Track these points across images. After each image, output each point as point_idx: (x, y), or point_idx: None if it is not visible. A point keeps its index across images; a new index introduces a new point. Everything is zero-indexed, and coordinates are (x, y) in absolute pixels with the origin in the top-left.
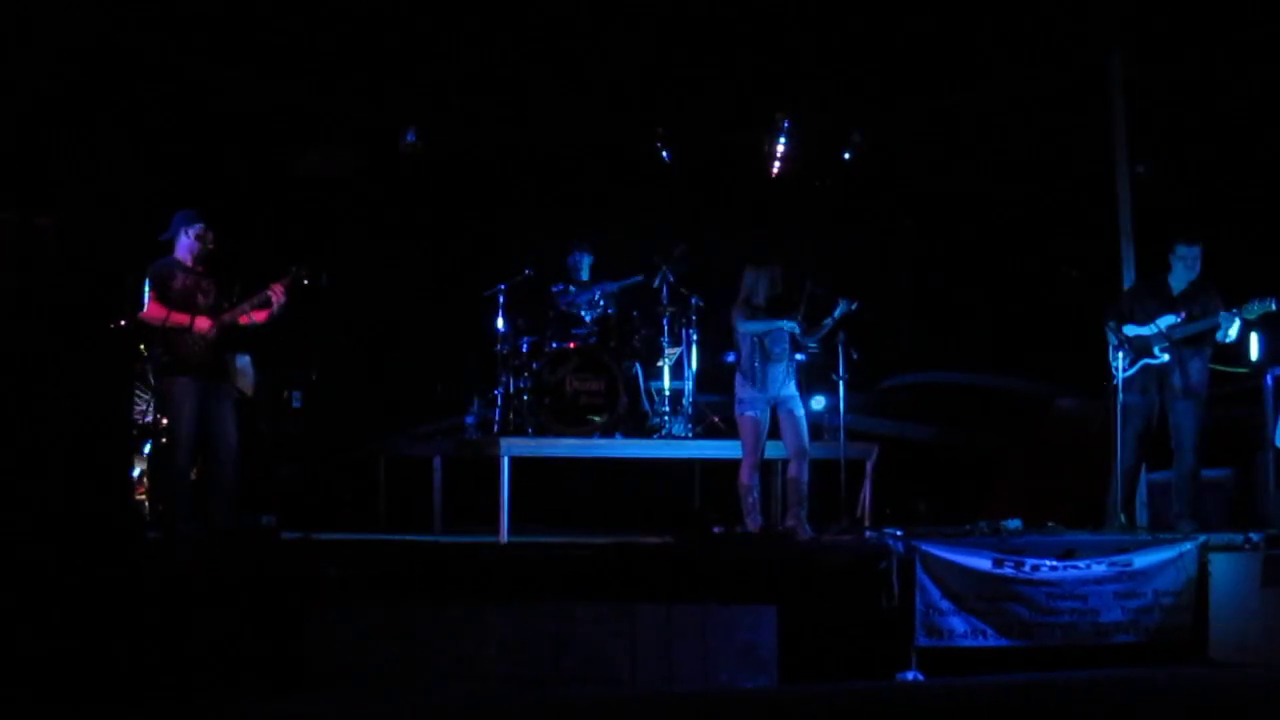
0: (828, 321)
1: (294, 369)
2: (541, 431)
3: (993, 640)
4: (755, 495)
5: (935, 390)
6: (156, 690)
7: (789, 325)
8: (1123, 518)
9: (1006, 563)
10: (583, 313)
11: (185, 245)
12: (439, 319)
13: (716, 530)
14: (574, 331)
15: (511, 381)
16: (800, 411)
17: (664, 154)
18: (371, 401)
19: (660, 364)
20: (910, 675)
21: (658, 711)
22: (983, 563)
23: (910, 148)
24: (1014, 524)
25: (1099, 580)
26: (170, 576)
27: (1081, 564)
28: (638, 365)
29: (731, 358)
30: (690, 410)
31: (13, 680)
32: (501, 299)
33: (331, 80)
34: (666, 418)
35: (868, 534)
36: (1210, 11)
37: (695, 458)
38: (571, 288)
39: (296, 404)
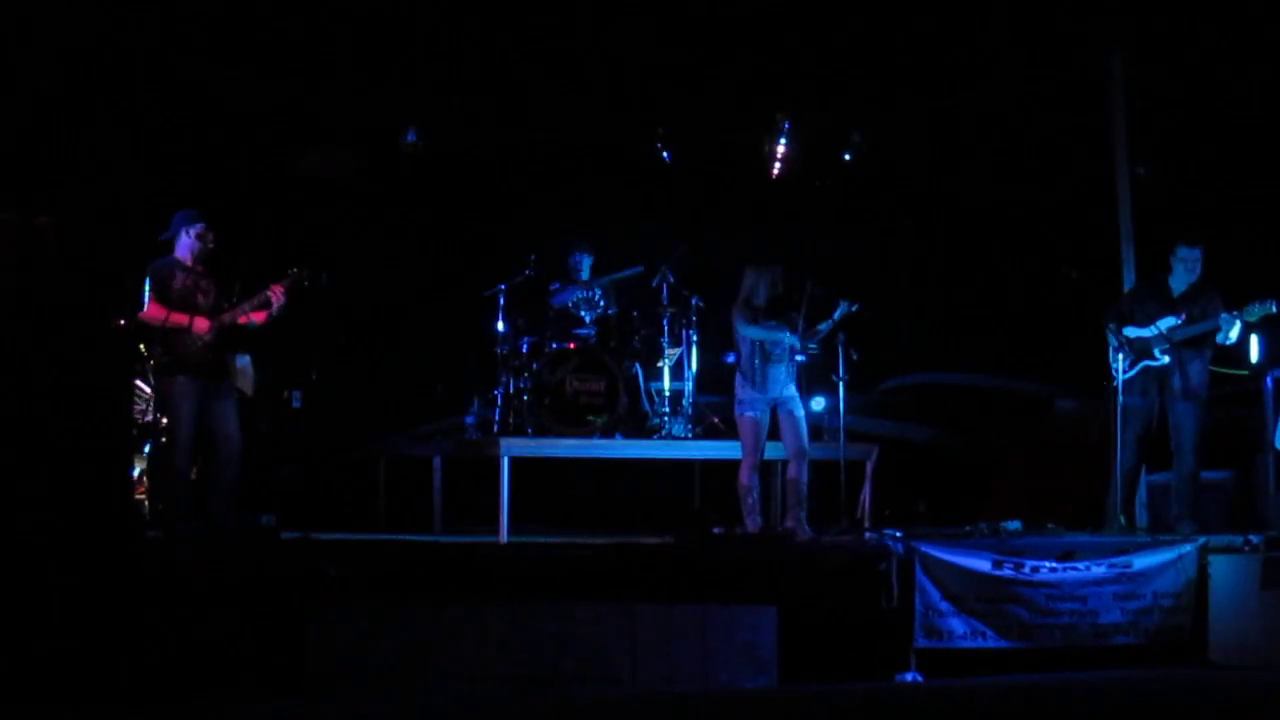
0: (826, 324)
1: (294, 369)
2: (541, 432)
3: (992, 641)
4: (755, 496)
5: (935, 391)
6: (156, 690)
7: (789, 339)
8: (1122, 519)
9: (1006, 564)
10: (583, 312)
11: (186, 245)
12: (439, 319)
13: (716, 530)
14: (574, 332)
15: (511, 382)
16: (800, 412)
17: (664, 154)
18: (371, 401)
19: (660, 364)
20: (909, 676)
21: (658, 711)
22: (982, 564)
23: (910, 148)
24: (1014, 525)
25: (1098, 582)
26: (170, 576)
27: (1081, 565)
28: (638, 365)
29: (731, 358)
30: (690, 411)
31: (13, 680)
32: (501, 299)
33: (331, 80)
34: (666, 418)
35: (867, 535)
36: (1210, 11)
37: (695, 458)
38: (569, 286)
39: (296, 404)
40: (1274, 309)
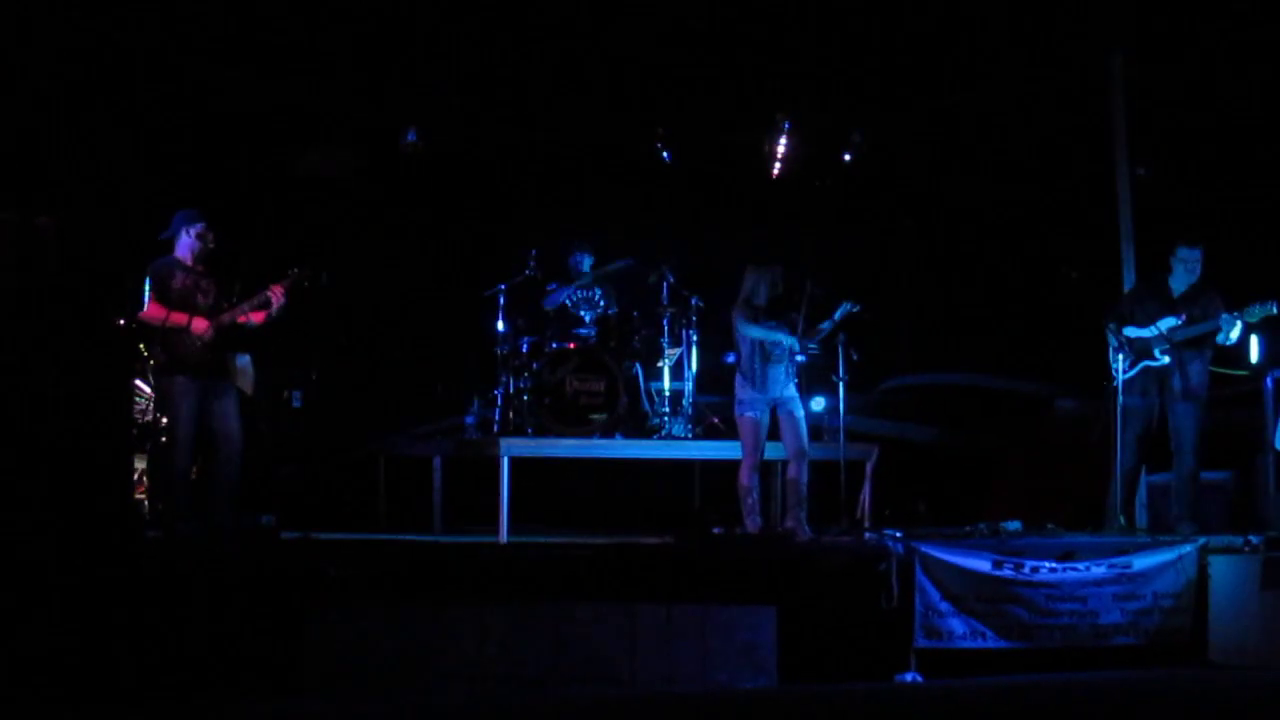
0: (827, 324)
1: (294, 369)
2: (541, 431)
3: (992, 642)
4: (755, 496)
5: (935, 391)
6: (156, 690)
7: (789, 341)
8: (1122, 520)
9: (1006, 564)
10: (583, 312)
11: (186, 244)
12: (439, 319)
13: (716, 530)
14: (574, 332)
15: (511, 382)
16: (800, 413)
17: (664, 154)
18: (371, 401)
19: (660, 364)
20: (909, 676)
21: (658, 711)
22: (982, 564)
23: (910, 148)
24: (1013, 525)
25: (1098, 582)
26: (170, 576)
27: (1081, 566)
28: (638, 365)
29: (731, 358)
30: (690, 411)
31: (13, 680)
32: (501, 299)
33: (331, 80)
34: (666, 418)
35: (867, 535)
36: (1210, 11)
37: (695, 458)
38: (562, 287)
39: (296, 404)
40: (1274, 310)
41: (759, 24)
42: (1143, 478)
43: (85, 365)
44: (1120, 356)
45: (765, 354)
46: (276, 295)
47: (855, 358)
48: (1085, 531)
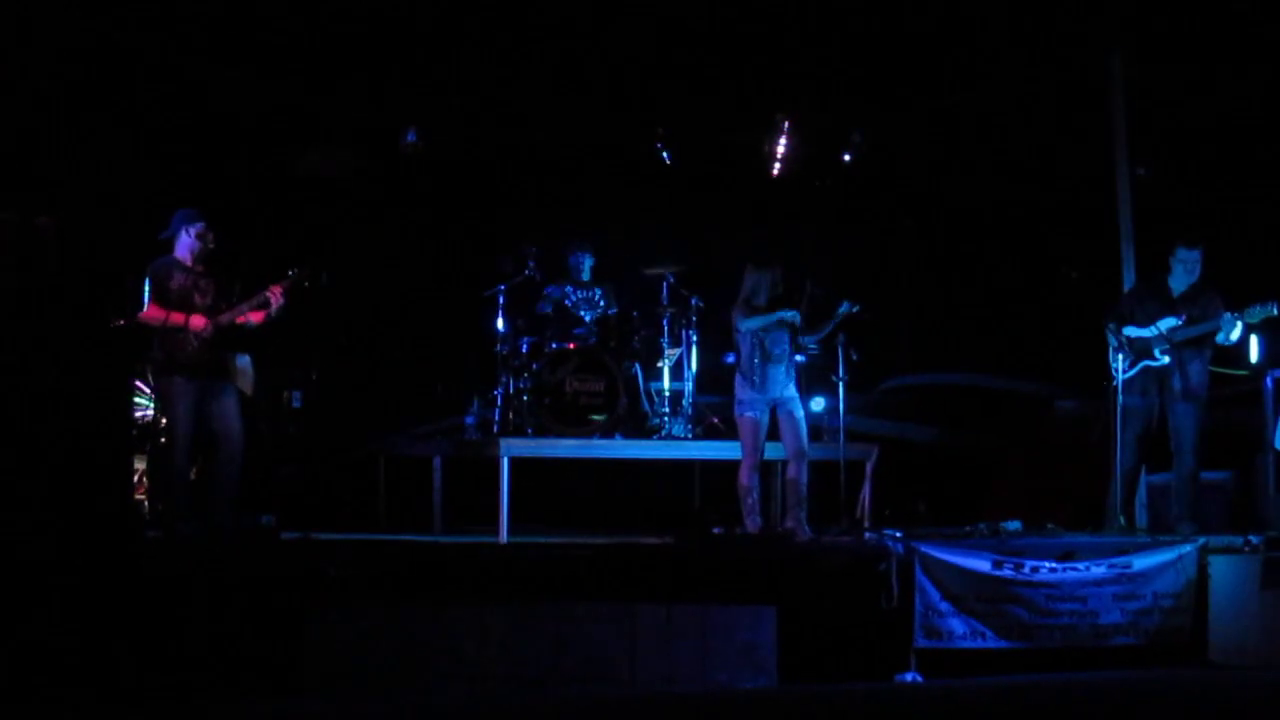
0: (828, 323)
1: (294, 369)
2: (541, 432)
3: (992, 642)
4: (755, 496)
5: (935, 391)
6: (156, 690)
7: (790, 315)
8: (1122, 520)
9: (1006, 564)
10: (583, 312)
11: (185, 244)
12: (439, 319)
13: (716, 531)
14: (574, 332)
15: (511, 382)
16: (800, 413)
17: (664, 154)
18: (371, 401)
19: (660, 365)
20: (909, 676)
21: (658, 711)
22: (982, 564)
23: (910, 148)
24: (1013, 525)
25: (1098, 582)
26: (170, 576)
27: (1081, 566)
28: (638, 366)
29: (731, 359)
30: (690, 411)
31: (13, 680)
32: (501, 299)
33: (331, 80)
34: (666, 418)
35: (867, 535)
36: (1210, 11)
37: (695, 458)
38: (568, 287)
39: (296, 404)
40: (1275, 311)
41: (759, 24)
42: (1143, 478)
43: (85, 365)
44: (1120, 356)
45: (765, 354)
46: (276, 295)
47: (855, 358)
48: (1085, 531)
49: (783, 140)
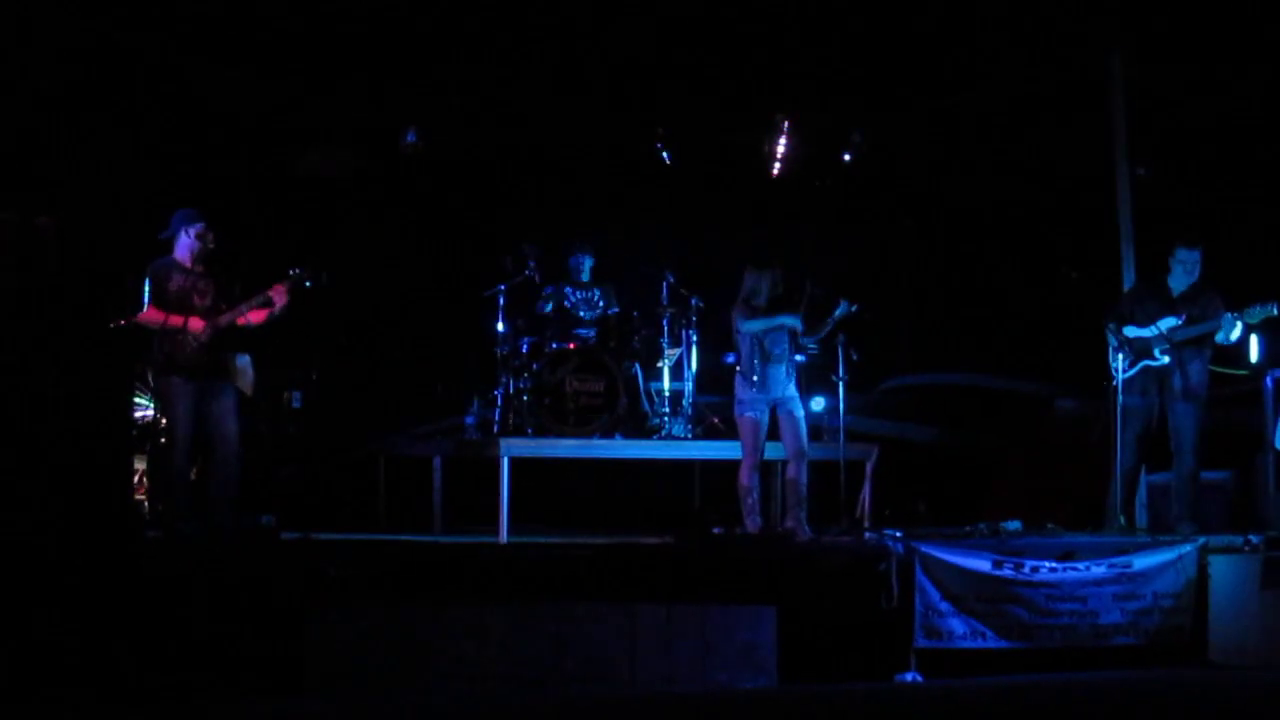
0: (828, 322)
1: (294, 369)
2: (541, 432)
3: (992, 642)
4: (755, 496)
5: (935, 391)
6: (156, 690)
7: (790, 321)
8: (1122, 519)
9: (1006, 564)
10: (582, 313)
11: (185, 244)
12: (439, 319)
13: (716, 530)
14: (574, 332)
15: (511, 382)
16: (800, 413)
17: (664, 154)
18: (371, 401)
19: (660, 365)
20: (909, 676)
21: (658, 711)
22: (982, 564)
23: (910, 148)
24: (1013, 525)
25: (1098, 582)
26: (170, 576)
27: (1081, 566)
28: (637, 366)
29: (731, 359)
30: (690, 411)
31: (13, 680)
32: (501, 299)
33: (331, 80)
34: (666, 418)
35: (867, 535)
36: (1210, 11)
37: (695, 458)
38: (567, 288)
39: (296, 404)
40: (1275, 311)
41: (759, 24)
42: (1143, 478)
43: (85, 365)
44: (1120, 356)
45: (765, 354)
46: (279, 295)
47: (855, 358)
48: (1085, 531)
49: (783, 140)
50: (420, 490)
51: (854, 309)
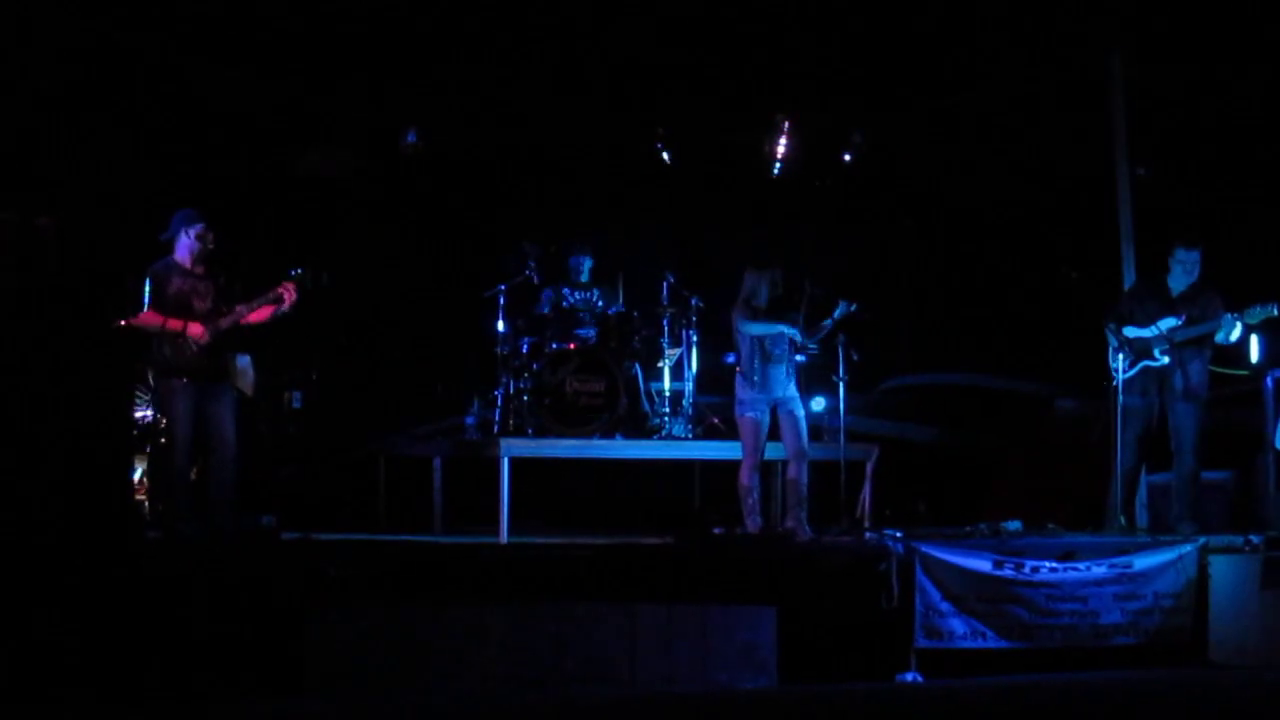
0: (827, 323)
1: (294, 369)
2: (541, 432)
3: (992, 642)
4: (755, 496)
5: (935, 391)
6: (156, 690)
7: (790, 331)
8: (1123, 520)
9: (1006, 564)
10: (581, 314)
11: (185, 245)
12: (439, 319)
13: (716, 531)
14: (574, 332)
15: (512, 382)
16: (800, 413)
17: (664, 154)
18: (371, 401)
19: (660, 365)
20: (910, 676)
21: (658, 711)
22: (982, 564)
23: (910, 148)
24: (1014, 525)
25: (1099, 582)
26: (170, 576)
27: (1081, 566)
28: (638, 366)
29: (731, 359)
30: (690, 411)
31: (13, 680)
32: (501, 299)
33: (331, 80)
34: (666, 418)
35: (867, 535)
36: (1210, 11)
37: (695, 459)
38: (566, 288)
39: (296, 404)
40: (1275, 312)
41: (759, 24)
42: (1143, 478)
43: (85, 365)
44: (1120, 356)
45: (765, 354)
46: (289, 292)
47: (855, 358)
48: (1085, 531)
49: (783, 140)
50: (420, 490)
51: (853, 309)
